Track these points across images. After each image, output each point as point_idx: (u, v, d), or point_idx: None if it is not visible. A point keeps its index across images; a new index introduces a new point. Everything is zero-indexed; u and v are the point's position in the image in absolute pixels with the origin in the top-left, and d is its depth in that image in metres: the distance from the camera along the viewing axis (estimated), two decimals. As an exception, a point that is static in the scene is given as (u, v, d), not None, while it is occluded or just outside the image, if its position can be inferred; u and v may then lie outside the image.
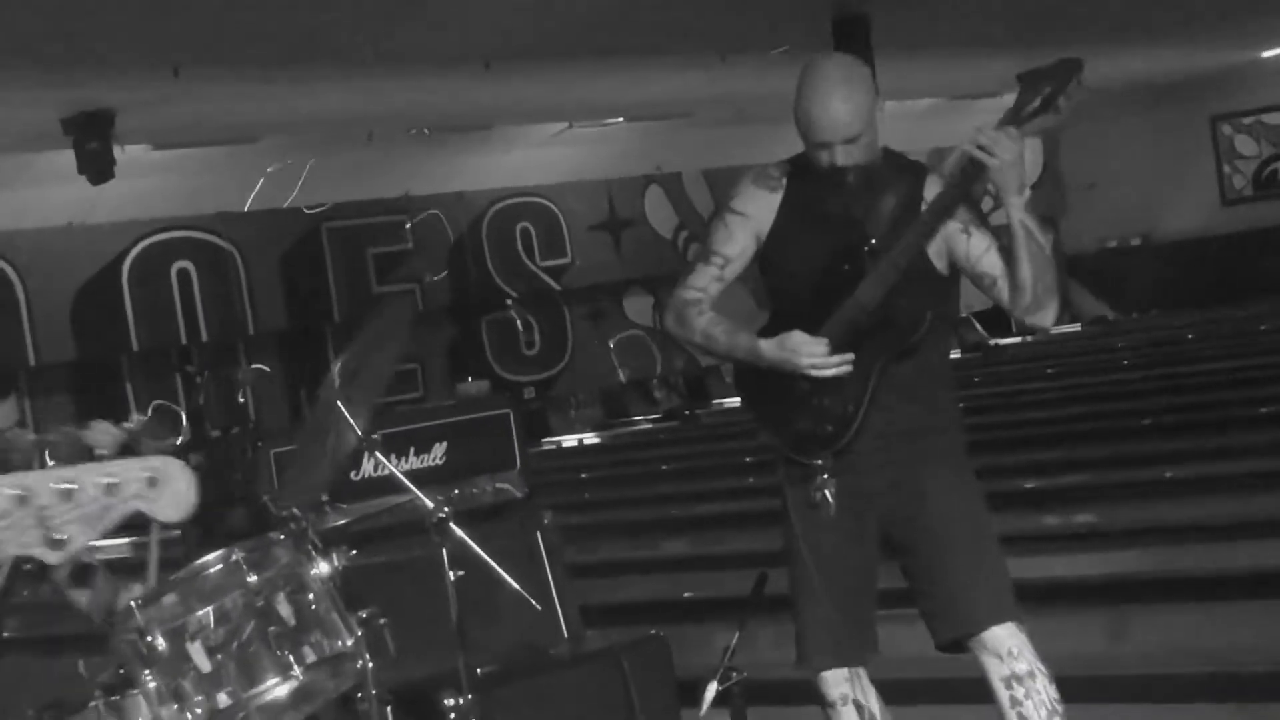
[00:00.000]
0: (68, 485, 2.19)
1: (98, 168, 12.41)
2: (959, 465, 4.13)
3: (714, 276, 4.16)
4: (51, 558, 2.22)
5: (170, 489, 2.31)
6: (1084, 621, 6.98)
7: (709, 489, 12.41)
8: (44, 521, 2.19)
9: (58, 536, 2.22)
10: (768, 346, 4.00)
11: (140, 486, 2.26)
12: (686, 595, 8.86)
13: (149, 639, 4.00)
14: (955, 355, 16.07)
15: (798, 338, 3.94)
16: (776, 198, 4.11)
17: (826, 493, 3.96)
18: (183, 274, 15.00)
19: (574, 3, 11.11)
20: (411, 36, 11.33)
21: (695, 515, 11.58)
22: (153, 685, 3.99)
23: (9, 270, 13.91)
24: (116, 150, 12.36)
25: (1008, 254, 3.94)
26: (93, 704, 3.99)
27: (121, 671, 4.05)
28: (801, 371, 3.95)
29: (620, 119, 17.10)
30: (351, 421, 4.41)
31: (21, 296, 13.97)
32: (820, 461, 3.99)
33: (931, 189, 4.03)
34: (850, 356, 3.94)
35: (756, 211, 4.12)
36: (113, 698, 4.00)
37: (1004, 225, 3.94)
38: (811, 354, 3.93)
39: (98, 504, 2.23)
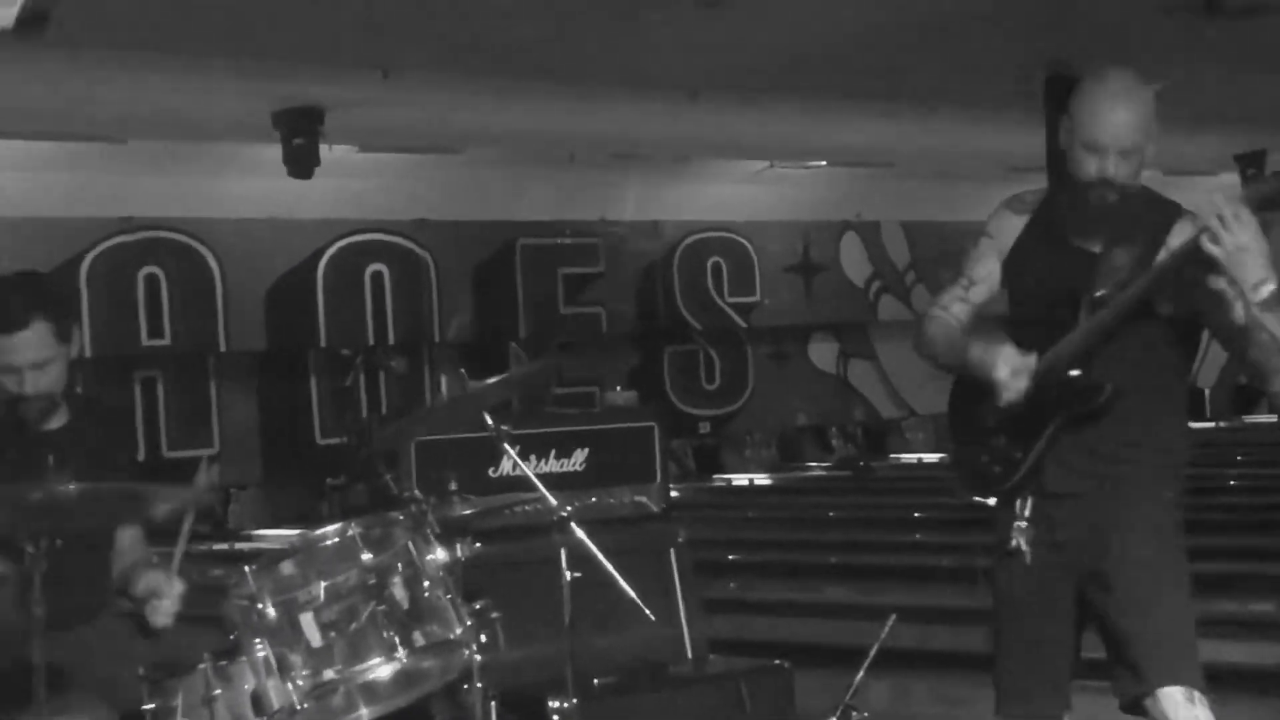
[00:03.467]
0: None
1: (303, 164, 12.66)
2: (1156, 522, 3.95)
3: (958, 297, 4.16)
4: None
5: None
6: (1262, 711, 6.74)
7: (875, 540, 12.26)
8: None
9: None
10: (977, 347, 3.97)
11: None
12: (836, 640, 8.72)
13: (260, 606, 4.02)
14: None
15: (1007, 349, 3.91)
16: (1023, 220, 4.09)
17: (1022, 541, 3.92)
18: (376, 276, 15.23)
19: (785, 40, 11.06)
20: (621, 59, 11.37)
21: (857, 564, 11.43)
22: (261, 654, 3.99)
23: (209, 256, 14.23)
24: (323, 149, 12.59)
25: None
26: (201, 666, 4.00)
27: (232, 637, 4.06)
28: (995, 381, 3.91)
29: (823, 162, 17.00)
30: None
31: (218, 284, 14.30)
32: (1019, 509, 3.95)
33: (1178, 236, 3.90)
34: (1021, 390, 3.88)
35: (1002, 233, 4.11)
36: (221, 663, 4.01)
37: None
38: (1011, 367, 3.87)
39: None
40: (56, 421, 4.54)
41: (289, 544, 4.05)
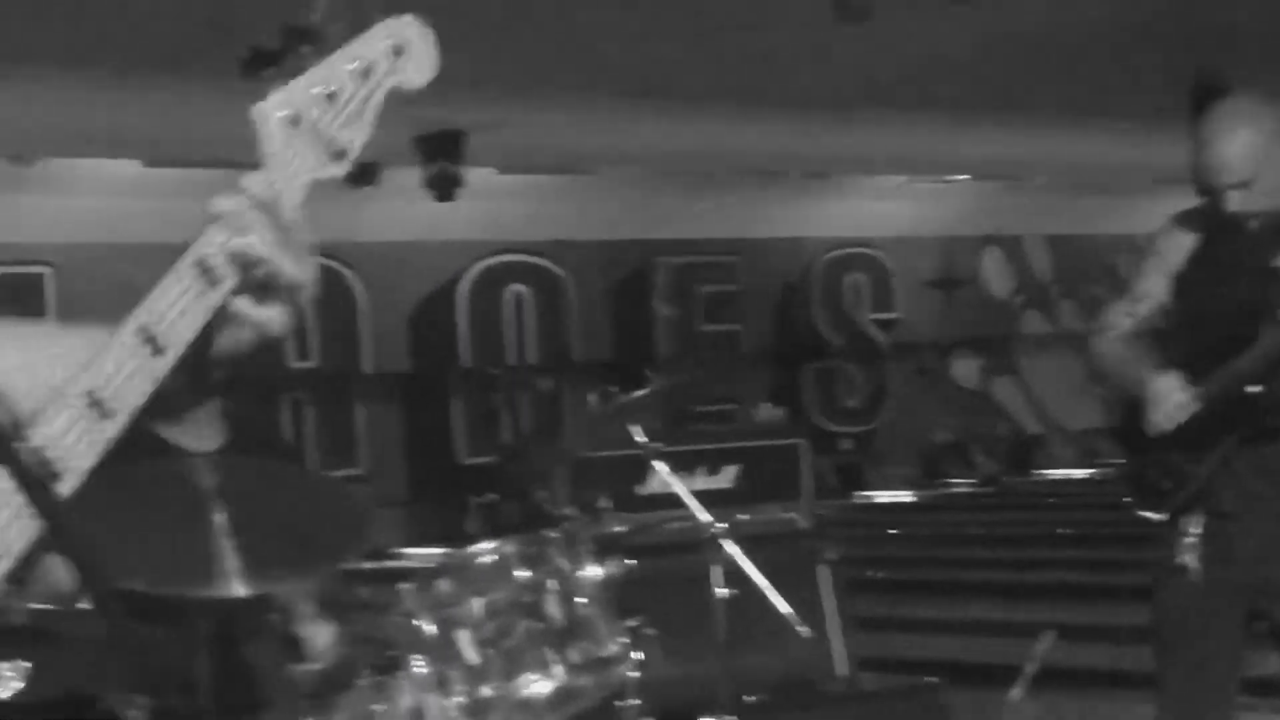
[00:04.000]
0: (330, 88, 2.10)
1: (444, 187, 12.81)
2: None
3: (1125, 312, 4.16)
4: (336, 170, 2.13)
5: (415, 52, 2.20)
6: None
7: (1021, 557, 12.12)
8: (320, 136, 2.11)
9: (339, 147, 2.14)
10: (1140, 371, 3.95)
11: (388, 61, 2.16)
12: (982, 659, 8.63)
13: (418, 623, 4.07)
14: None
15: (1164, 385, 3.89)
16: (1190, 239, 4.06)
17: (1190, 558, 3.88)
18: (516, 297, 15.35)
19: (926, 53, 11.00)
20: (758, 76, 11.38)
21: (1003, 581, 11.31)
22: (420, 671, 4.05)
23: (352, 279, 14.43)
24: (463, 171, 12.73)
25: None
26: (360, 684, 4.05)
27: (390, 654, 4.11)
28: (1152, 410, 3.91)
29: (966, 176, 16.87)
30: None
31: (362, 306, 14.49)
32: (1189, 526, 3.90)
33: None
34: (1188, 408, 3.83)
35: (1169, 250, 4.09)
36: (380, 679, 4.06)
37: None
38: (1166, 408, 3.84)
39: (357, 98, 2.14)
40: (212, 442, 4.62)
41: (442, 562, 4.10)
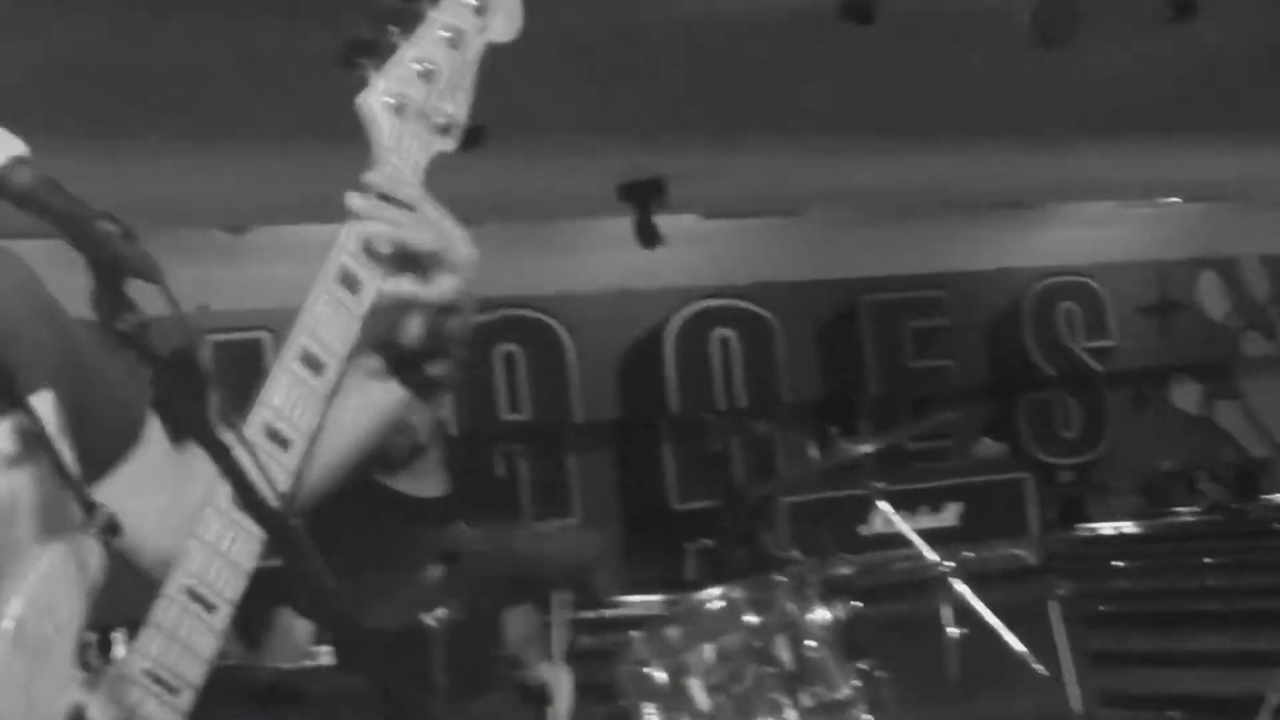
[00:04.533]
0: (425, 65, 2.10)
1: (649, 234, 12.89)
2: None
3: None
4: (446, 144, 2.14)
5: (498, 5, 2.18)
6: None
7: (1255, 585, 11.78)
8: (425, 115, 2.12)
9: (445, 121, 2.15)
10: None
11: (475, 21, 2.15)
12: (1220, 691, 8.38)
13: (649, 671, 4.08)
14: None
15: None
16: None
17: None
18: (722, 341, 15.35)
19: (1132, 73, 10.79)
20: (961, 108, 11.27)
21: (1238, 611, 11.00)
22: (652, 718, 4.06)
23: (561, 331, 14.57)
24: (666, 218, 12.79)
25: None
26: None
27: (623, 703, 4.13)
28: None
29: (1177, 199, 16.50)
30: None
31: (571, 357, 14.62)
32: None
33: None
34: None
35: None
36: (613, 727, 4.09)
37: None
38: None
39: (452, 67, 2.14)
40: (435, 490, 4.68)
41: (671, 609, 4.10)
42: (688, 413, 15.15)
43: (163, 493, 2.00)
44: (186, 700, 1.82)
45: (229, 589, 1.84)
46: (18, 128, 1.82)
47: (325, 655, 4.16)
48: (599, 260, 14.21)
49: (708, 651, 4.03)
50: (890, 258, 15.70)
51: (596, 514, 14.58)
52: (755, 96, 10.52)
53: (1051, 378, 16.99)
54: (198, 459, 1.78)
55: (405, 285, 1.99)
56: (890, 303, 16.08)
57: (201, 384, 1.74)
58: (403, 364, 2.03)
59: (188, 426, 1.65)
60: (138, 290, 1.76)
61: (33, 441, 1.75)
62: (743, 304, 15.47)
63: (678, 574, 14.08)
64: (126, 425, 1.99)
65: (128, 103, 9.35)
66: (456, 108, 2.10)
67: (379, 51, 2.04)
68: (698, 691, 4.03)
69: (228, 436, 1.68)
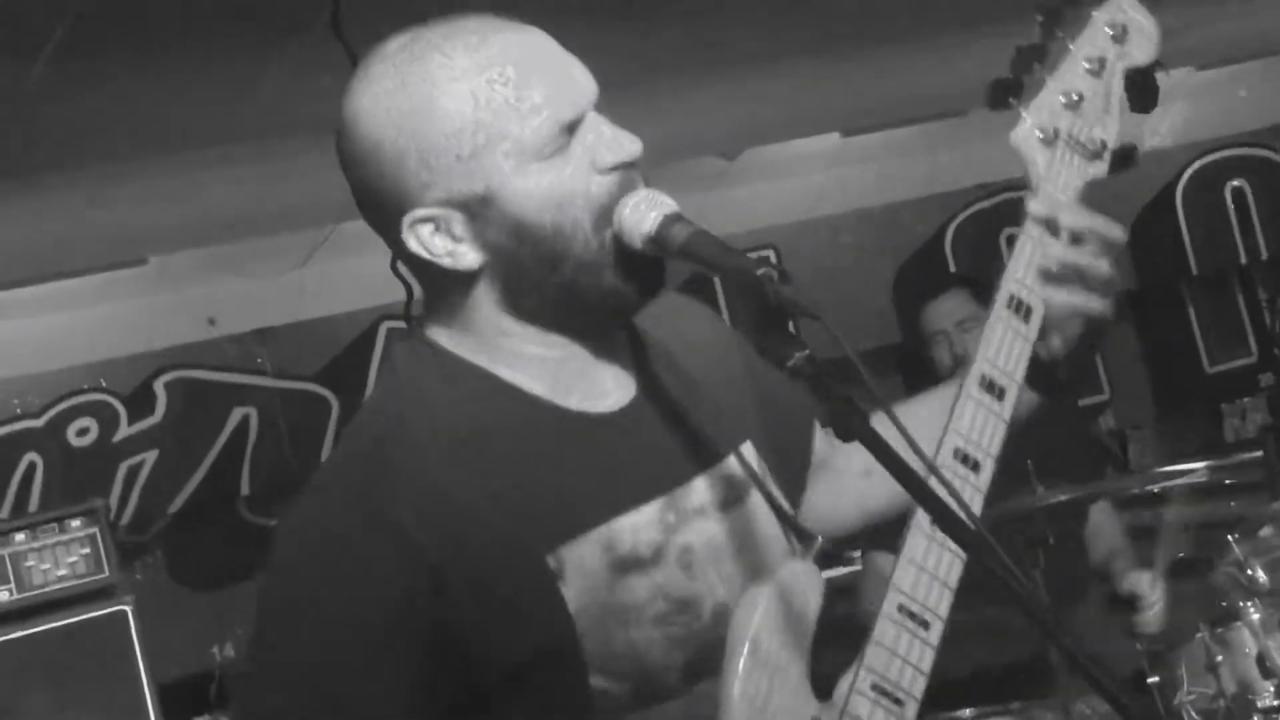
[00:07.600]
0: (1072, 96, 2.17)
1: (1148, 97, 12.50)
2: None
3: None
4: (1098, 169, 2.23)
5: (1136, 29, 2.22)
6: None
7: None
8: (1075, 143, 2.20)
9: (1095, 147, 2.23)
10: None
11: (1115, 49, 2.19)
12: None
13: (1249, 571, 4.07)
14: None
15: None
16: None
17: None
18: (1236, 192, 14.74)
19: None
20: None
21: None
22: (1256, 617, 4.05)
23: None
24: (1163, 75, 12.37)
25: None
26: (1199, 635, 4.10)
27: (1224, 604, 4.13)
28: None
29: None
30: None
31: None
32: None
33: None
34: None
35: None
36: (1218, 630, 4.09)
37: None
38: None
39: (1098, 95, 2.21)
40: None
41: (1273, 510, 4.07)
42: (1208, 271, 14.63)
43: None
44: (911, 712, 2.00)
45: (941, 606, 2.00)
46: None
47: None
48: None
49: (1300, 547, 3.99)
50: None
51: (1126, 388, 14.29)
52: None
53: None
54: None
55: (1074, 299, 2.12)
56: None
57: (864, 414, 1.88)
58: (1038, 375, 2.15)
59: (877, 454, 1.79)
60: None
61: (741, 486, 1.93)
62: (1254, 151, 14.80)
63: (1217, 438, 13.72)
64: (805, 449, 2.16)
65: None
66: (1105, 133, 2.19)
67: (1026, 88, 2.16)
68: (1299, 588, 4.00)
69: (917, 464, 1.81)
